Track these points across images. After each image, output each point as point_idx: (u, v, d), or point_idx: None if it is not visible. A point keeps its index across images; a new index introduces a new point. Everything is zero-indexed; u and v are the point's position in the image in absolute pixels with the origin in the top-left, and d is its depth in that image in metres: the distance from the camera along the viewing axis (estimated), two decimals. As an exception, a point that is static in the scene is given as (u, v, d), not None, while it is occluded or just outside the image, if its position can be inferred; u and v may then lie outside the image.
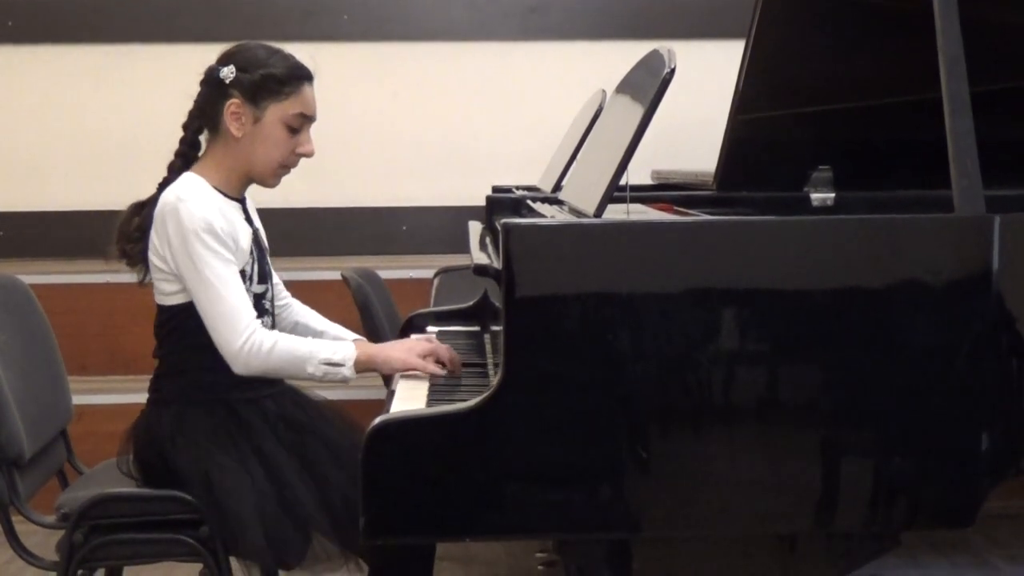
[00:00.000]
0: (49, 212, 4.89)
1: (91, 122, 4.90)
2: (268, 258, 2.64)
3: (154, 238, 2.47)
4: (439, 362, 2.51)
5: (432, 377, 2.50)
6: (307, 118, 2.54)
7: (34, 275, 3.97)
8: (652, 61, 2.26)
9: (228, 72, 2.48)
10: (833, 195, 2.84)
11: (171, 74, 4.56)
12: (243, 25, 4.77)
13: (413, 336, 2.68)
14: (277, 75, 2.49)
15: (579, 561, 2.29)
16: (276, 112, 2.50)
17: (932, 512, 2.15)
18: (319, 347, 2.46)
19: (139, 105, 4.83)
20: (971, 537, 3.83)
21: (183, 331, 2.45)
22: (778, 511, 2.12)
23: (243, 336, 2.39)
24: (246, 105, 2.48)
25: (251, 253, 2.53)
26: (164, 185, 2.51)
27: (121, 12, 4.87)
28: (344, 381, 2.47)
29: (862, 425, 2.11)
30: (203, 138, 2.56)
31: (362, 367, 2.47)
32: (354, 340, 2.65)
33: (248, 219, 2.58)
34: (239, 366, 2.41)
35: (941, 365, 2.10)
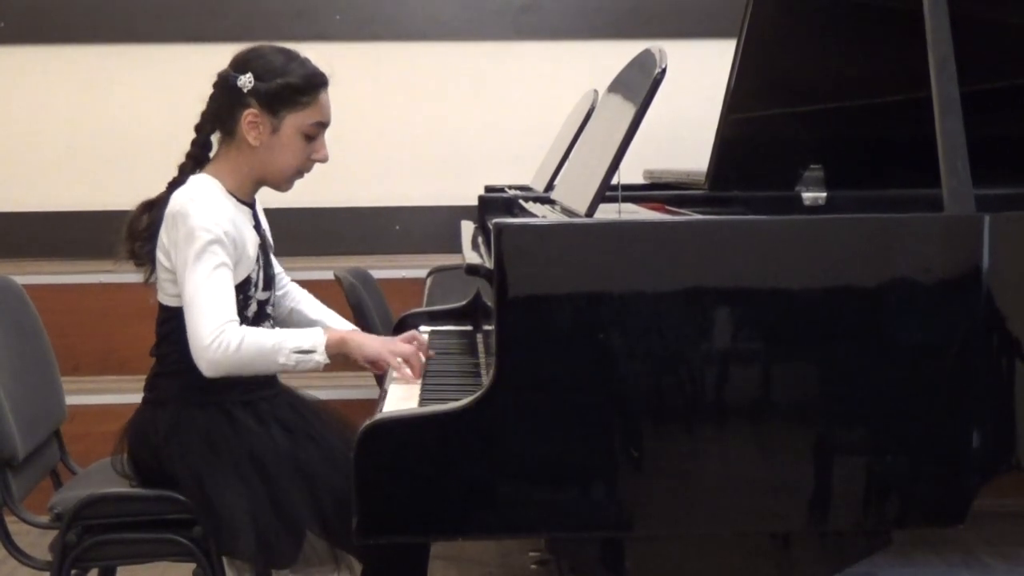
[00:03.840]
0: (42, 212, 4.88)
1: (84, 122, 4.90)
2: (272, 263, 2.65)
3: (163, 237, 2.46)
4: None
5: (425, 377, 2.51)
6: (323, 125, 2.54)
7: (27, 275, 3.97)
8: (644, 60, 2.27)
9: (246, 81, 2.46)
10: (824, 194, 2.85)
11: (164, 74, 4.60)
12: (235, 25, 4.76)
13: (402, 336, 2.68)
14: (295, 84, 2.47)
15: (572, 560, 2.29)
16: (294, 121, 2.49)
17: (923, 510, 2.16)
18: (287, 337, 2.45)
19: (132, 105, 4.82)
20: (963, 535, 3.84)
21: (183, 333, 2.44)
22: (770, 510, 2.12)
23: (213, 335, 2.36)
24: (264, 115, 2.47)
25: (257, 260, 2.54)
26: (174, 185, 2.51)
27: (113, 13, 4.86)
28: (318, 367, 2.46)
29: (853, 424, 2.12)
30: (214, 138, 2.55)
31: (334, 350, 2.47)
32: (351, 331, 2.68)
33: (256, 225, 2.58)
34: (207, 365, 2.38)
35: (932, 363, 2.11)
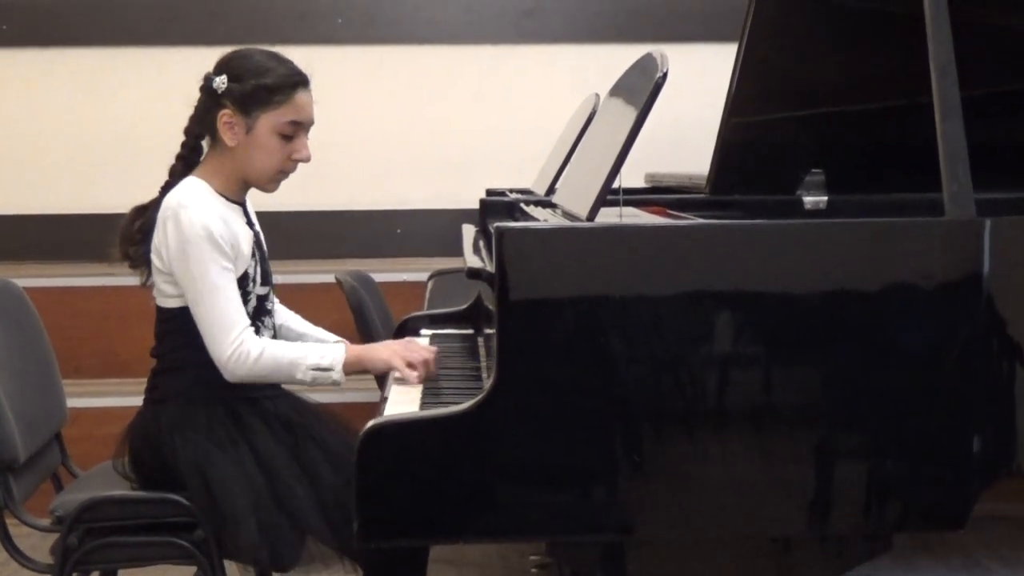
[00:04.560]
0: (43, 215, 4.89)
1: (85, 125, 4.90)
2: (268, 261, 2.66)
3: (155, 240, 2.48)
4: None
5: (426, 380, 2.52)
6: (300, 125, 2.54)
7: (28, 278, 3.96)
8: (645, 64, 2.27)
9: (220, 82, 2.48)
10: (825, 198, 2.85)
11: (165, 77, 4.60)
12: (238, 28, 4.77)
13: (405, 339, 2.69)
14: (268, 84, 2.49)
15: (572, 563, 2.29)
16: (267, 121, 2.50)
17: (924, 514, 2.16)
18: (307, 352, 2.48)
19: (133, 108, 4.83)
20: (964, 539, 3.84)
21: (182, 332, 2.47)
22: (771, 513, 2.12)
23: (232, 346, 2.41)
24: (238, 115, 2.49)
25: (253, 255, 2.55)
26: (166, 189, 2.53)
27: (115, 15, 4.87)
28: (335, 385, 2.49)
29: (854, 428, 2.11)
30: (205, 142, 2.57)
31: (351, 368, 2.49)
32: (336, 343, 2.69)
33: (249, 222, 2.60)
34: (228, 374, 2.44)
35: (933, 368, 2.11)
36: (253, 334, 2.45)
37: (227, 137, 2.49)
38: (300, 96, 2.53)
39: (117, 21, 4.88)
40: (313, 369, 2.45)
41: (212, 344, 2.43)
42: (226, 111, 2.49)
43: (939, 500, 2.14)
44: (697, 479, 2.09)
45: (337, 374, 2.46)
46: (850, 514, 2.12)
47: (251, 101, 2.49)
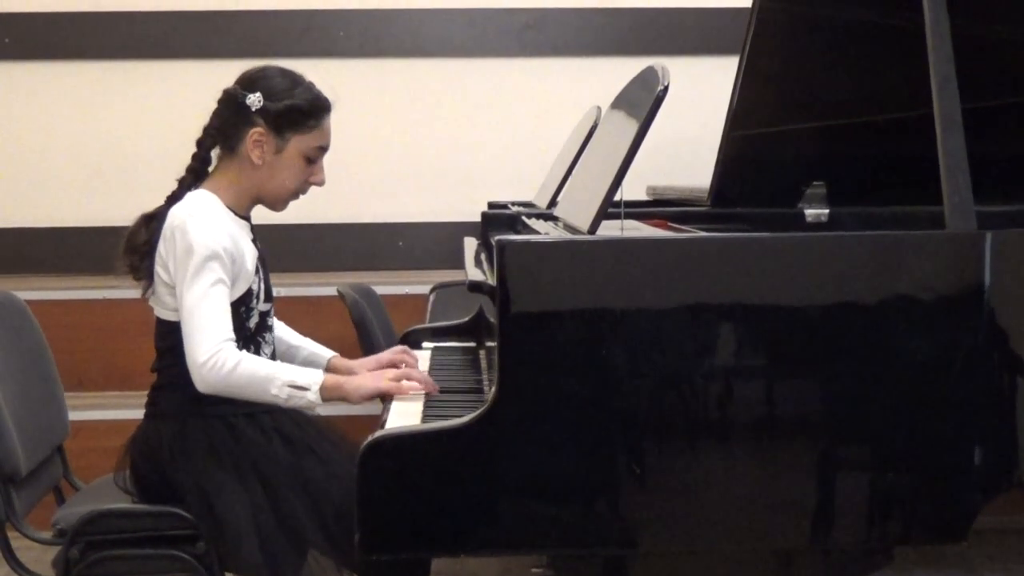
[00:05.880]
0: (45, 228, 4.88)
1: (88, 138, 4.90)
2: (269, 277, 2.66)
3: (161, 251, 2.48)
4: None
5: (427, 393, 2.51)
6: (324, 149, 2.57)
7: (30, 291, 3.97)
8: (647, 77, 2.27)
9: (256, 100, 2.48)
10: (827, 211, 2.85)
11: (169, 91, 4.60)
12: (240, 42, 4.76)
13: (390, 351, 2.69)
14: (303, 108, 2.51)
15: (574, 576, 2.29)
16: (298, 144, 2.52)
17: (925, 527, 2.16)
18: (284, 370, 2.47)
19: (136, 121, 4.83)
20: (965, 552, 3.83)
21: (181, 347, 2.45)
22: (773, 527, 2.12)
23: (209, 352, 2.38)
24: (270, 135, 2.50)
25: (257, 272, 2.55)
26: (173, 199, 2.52)
27: (118, 29, 4.87)
28: (310, 406, 2.47)
29: (856, 441, 2.12)
30: (214, 153, 2.57)
31: (330, 394, 2.46)
32: (330, 358, 2.75)
33: (254, 239, 2.59)
34: (199, 381, 2.41)
35: (934, 380, 2.11)
36: (234, 347, 2.42)
37: (254, 155, 2.50)
38: (327, 122, 2.56)
39: (120, 34, 4.87)
40: (289, 386, 2.42)
41: (190, 349, 2.40)
42: (258, 129, 2.49)
43: (941, 513, 2.14)
44: (699, 492, 2.09)
45: (313, 395, 2.43)
46: (852, 527, 2.12)
47: (286, 122, 2.50)
